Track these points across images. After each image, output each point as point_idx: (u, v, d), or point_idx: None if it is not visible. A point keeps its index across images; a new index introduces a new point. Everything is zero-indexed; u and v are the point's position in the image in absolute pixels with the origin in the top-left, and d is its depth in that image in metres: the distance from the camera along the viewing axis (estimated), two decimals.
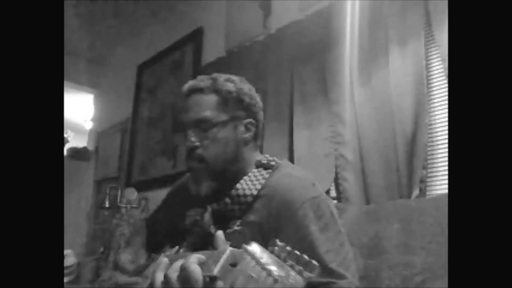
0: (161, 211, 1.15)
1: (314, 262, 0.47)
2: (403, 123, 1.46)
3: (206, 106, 0.92)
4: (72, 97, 3.97)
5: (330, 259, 0.77)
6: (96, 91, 3.87)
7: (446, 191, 1.37)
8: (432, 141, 1.48)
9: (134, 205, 2.70)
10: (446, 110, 1.46)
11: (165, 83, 2.96)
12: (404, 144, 1.45)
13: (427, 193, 1.43)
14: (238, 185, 0.90)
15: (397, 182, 1.45)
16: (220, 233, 0.59)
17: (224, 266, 0.50)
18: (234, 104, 0.93)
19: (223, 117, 0.91)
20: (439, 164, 1.46)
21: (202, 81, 0.94)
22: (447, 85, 1.45)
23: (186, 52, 2.81)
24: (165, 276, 0.57)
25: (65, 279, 2.53)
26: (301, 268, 0.46)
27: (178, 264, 0.56)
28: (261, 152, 1.01)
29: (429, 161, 1.45)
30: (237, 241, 0.54)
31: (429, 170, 1.44)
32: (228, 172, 0.92)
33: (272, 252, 0.48)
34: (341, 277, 0.76)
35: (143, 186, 2.80)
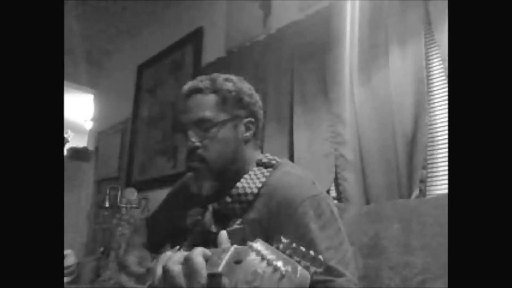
0: (162, 211, 1.15)
1: (320, 257, 0.46)
2: (403, 123, 1.46)
3: (206, 106, 0.92)
4: (72, 97, 3.97)
5: (329, 257, 0.77)
6: (96, 91, 3.87)
7: (446, 191, 1.37)
8: (432, 141, 1.48)
9: (134, 205, 2.70)
10: (446, 110, 1.46)
11: (165, 83, 2.96)
12: (404, 144, 1.45)
13: (427, 193, 1.43)
14: (238, 184, 0.90)
15: (397, 182, 1.45)
16: (223, 233, 0.59)
17: (229, 263, 0.49)
18: (233, 103, 0.93)
19: (223, 116, 0.92)
20: (439, 164, 1.45)
21: (201, 81, 0.95)
22: (447, 85, 1.45)
23: (186, 52, 2.81)
24: (166, 268, 0.56)
25: (65, 279, 2.53)
26: (307, 263, 0.46)
27: (179, 256, 0.55)
28: (262, 151, 1.02)
29: (429, 161, 1.45)
30: (238, 239, 0.54)
31: (429, 170, 1.44)
32: (229, 171, 0.92)
33: (277, 248, 0.47)
34: (340, 275, 0.76)
35: (143, 186, 2.80)
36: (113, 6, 3.02)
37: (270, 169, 0.93)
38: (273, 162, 0.94)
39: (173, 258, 0.56)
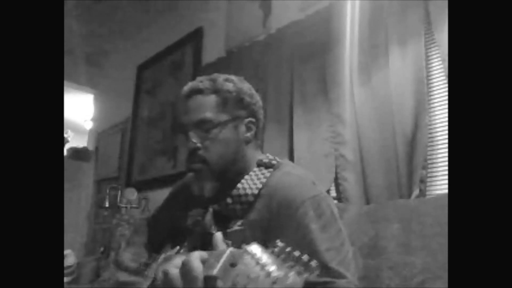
0: (163, 211, 1.15)
1: (313, 263, 0.47)
2: (403, 123, 1.46)
3: (206, 107, 0.92)
4: (72, 97, 3.97)
5: (330, 258, 0.77)
6: (96, 91, 3.87)
7: (446, 191, 1.37)
8: (432, 141, 1.48)
9: (134, 205, 2.70)
10: (446, 110, 1.46)
11: (165, 83, 2.96)
12: (404, 144, 1.45)
13: (427, 193, 1.43)
14: (239, 185, 0.90)
15: (397, 182, 1.45)
16: (218, 234, 0.59)
17: (224, 266, 0.50)
18: (234, 104, 0.93)
19: (224, 117, 0.91)
20: (439, 164, 1.45)
21: (201, 82, 0.94)
22: (447, 85, 1.45)
23: (186, 52, 2.81)
24: (165, 271, 0.57)
25: (65, 279, 2.54)
26: (301, 269, 0.46)
27: (179, 260, 0.56)
28: (262, 151, 1.01)
29: (429, 161, 1.45)
30: (238, 240, 0.54)
31: (429, 170, 1.44)
32: (230, 172, 0.92)
33: (272, 252, 0.48)
34: (341, 276, 0.76)
35: (143, 186, 2.80)
36: (113, 6, 3.02)
37: (270, 170, 0.93)
38: (274, 162, 0.94)
39: (173, 262, 0.57)
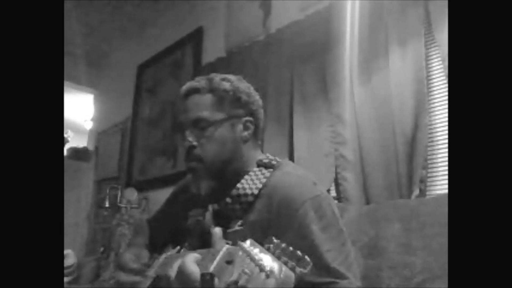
0: (163, 212, 1.15)
1: (307, 258, 0.48)
2: (403, 123, 1.46)
3: (203, 106, 0.92)
4: (72, 97, 3.97)
5: (331, 259, 0.77)
6: (96, 91, 3.87)
7: (446, 191, 1.37)
8: (432, 141, 1.48)
9: (134, 205, 2.71)
10: (446, 110, 1.46)
11: (165, 83, 2.96)
12: (404, 144, 1.45)
13: (427, 193, 1.43)
14: (239, 185, 0.90)
15: (397, 182, 1.46)
16: (217, 230, 0.60)
17: (220, 263, 0.50)
18: (231, 102, 0.93)
19: (220, 116, 0.91)
20: (439, 164, 1.46)
21: (199, 82, 0.95)
22: (447, 85, 1.45)
23: (186, 52, 2.81)
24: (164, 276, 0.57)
25: (65, 279, 2.54)
26: (294, 264, 0.47)
27: (176, 264, 0.57)
28: (262, 151, 1.01)
29: (429, 161, 1.45)
30: (238, 240, 0.54)
31: (429, 170, 1.44)
32: (227, 171, 0.92)
33: (268, 249, 0.48)
34: (343, 276, 0.76)
35: (143, 186, 2.80)
36: (113, 6, 3.02)
37: (270, 170, 0.92)
38: (274, 162, 0.94)
39: (174, 266, 0.57)
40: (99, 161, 3.51)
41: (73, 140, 3.82)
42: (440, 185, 1.44)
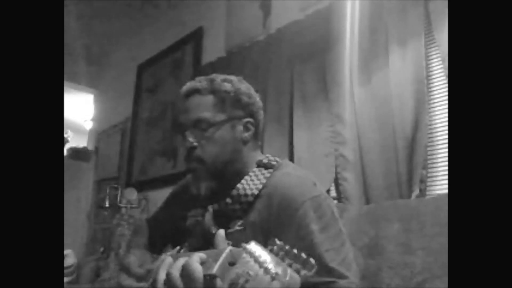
0: (163, 212, 1.15)
1: (312, 260, 0.47)
2: (403, 123, 1.46)
3: (204, 107, 0.92)
4: (72, 97, 3.97)
5: (330, 259, 0.77)
6: (96, 91, 3.87)
7: (446, 191, 1.37)
8: (432, 141, 1.48)
9: (134, 205, 2.70)
10: (446, 110, 1.46)
11: (165, 83, 2.96)
12: (404, 144, 1.45)
13: (427, 193, 1.43)
14: (239, 185, 0.90)
15: (397, 182, 1.46)
16: (220, 232, 0.60)
17: (223, 265, 0.50)
18: (231, 104, 0.93)
19: (221, 117, 0.91)
20: (439, 164, 1.46)
21: (200, 82, 0.95)
22: (447, 85, 1.45)
23: (186, 52, 2.81)
24: (168, 274, 0.57)
25: (65, 279, 2.54)
26: (298, 266, 0.47)
27: (180, 262, 0.57)
28: (262, 152, 1.01)
29: (429, 161, 1.45)
30: (239, 241, 0.54)
31: (429, 170, 1.44)
32: (228, 172, 0.92)
33: (271, 251, 0.48)
34: (342, 276, 0.76)
35: (143, 186, 2.80)
36: (113, 6, 3.02)
37: (270, 170, 0.92)
38: (274, 163, 0.94)
39: (175, 265, 0.57)
40: (99, 161, 3.51)
41: (73, 140, 3.82)
42: (440, 185, 1.44)
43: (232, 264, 0.49)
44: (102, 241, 2.97)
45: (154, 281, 0.60)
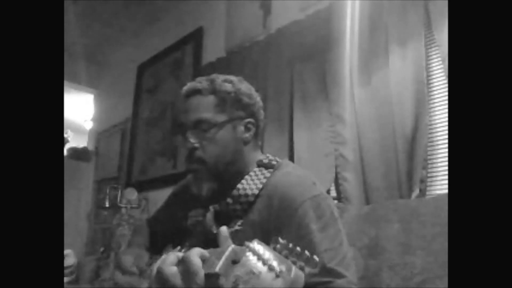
0: (163, 212, 1.15)
1: (315, 258, 0.47)
2: (403, 123, 1.46)
3: (205, 107, 0.92)
4: (72, 97, 3.97)
5: (329, 258, 0.77)
6: (96, 91, 3.87)
7: (446, 191, 1.37)
8: (432, 141, 1.48)
9: (134, 205, 2.71)
10: (446, 110, 1.46)
11: (165, 83, 2.96)
12: (404, 144, 1.45)
13: (427, 193, 1.43)
14: (239, 185, 0.90)
15: (397, 182, 1.46)
16: (223, 229, 0.59)
17: (226, 263, 0.50)
18: (232, 104, 0.93)
19: (222, 117, 0.91)
20: (439, 164, 1.46)
21: (200, 82, 0.95)
22: (447, 85, 1.45)
23: (186, 52, 2.81)
24: (158, 269, 0.57)
25: (65, 279, 2.54)
26: (302, 264, 0.47)
27: (172, 257, 0.56)
28: (262, 151, 1.01)
29: (429, 161, 1.45)
30: (239, 240, 0.54)
31: (429, 170, 1.44)
32: (229, 172, 0.92)
33: (274, 249, 0.48)
34: (340, 276, 0.76)
35: (143, 186, 2.80)
36: (113, 6, 3.02)
37: (271, 170, 0.93)
38: (274, 162, 0.94)
39: (167, 260, 0.56)
40: (99, 161, 3.52)
41: (73, 140, 3.82)
42: (440, 185, 1.44)
43: (235, 262, 0.49)
44: (102, 241, 2.97)
45: (158, 278, 0.60)
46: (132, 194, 2.69)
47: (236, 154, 0.93)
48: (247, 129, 0.95)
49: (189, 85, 0.96)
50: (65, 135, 3.67)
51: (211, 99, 0.92)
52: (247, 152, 0.95)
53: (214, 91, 0.93)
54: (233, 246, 0.52)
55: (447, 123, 1.44)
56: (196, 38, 2.75)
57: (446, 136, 1.44)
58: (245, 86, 0.97)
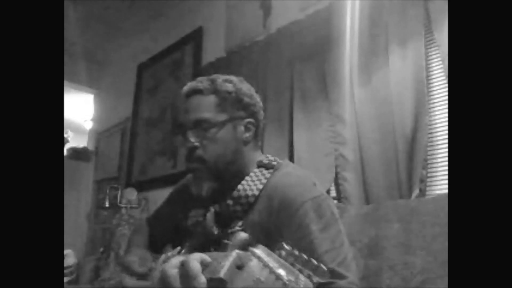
0: (163, 211, 1.15)
1: (323, 266, 0.46)
2: (403, 123, 1.46)
3: (205, 107, 0.92)
4: (72, 97, 3.97)
5: (330, 259, 0.77)
6: (96, 91, 3.87)
7: (446, 191, 1.37)
8: (432, 141, 1.48)
9: (134, 205, 2.71)
10: (446, 110, 1.46)
11: (165, 83, 2.96)
12: (404, 144, 1.45)
13: (427, 193, 1.43)
14: (239, 186, 0.90)
15: (397, 182, 1.46)
16: (242, 235, 0.59)
17: (231, 268, 0.49)
18: (233, 104, 0.93)
19: (222, 117, 0.91)
20: (439, 164, 1.46)
21: (201, 82, 0.95)
22: (447, 85, 1.45)
23: (186, 52, 2.82)
24: (162, 272, 0.57)
25: (65, 279, 2.54)
26: (310, 272, 0.46)
27: (176, 260, 0.56)
28: (262, 152, 1.01)
29: (429, 161, 1.45)
30: (249, 246, 0.53)
31: (429, 170, 1.44)
32: (229, 172, 0.92)
33: (279, 255, 0.47)
34: (341, 277, 0.76)
35: (143, 186, 2.80)
36: (113, 6, 3.02)
37: (271, 171, 0.92)
38: (274, 163, 0.94)
39: (171, 262, 0.56)
40: (99, 161, 3.52)
41: (73, 140, 3.82)
42: (440, 185, 1.44)
43: (239, 268, 0.48)
44: (102, 241, 2.97)
45: (153, 279, 0.60)
46: (132, 194, 2.69)
47: (236, 154, 0.93)
48: (247, 129, 0.95)
49: (189, 85, 0.96)
50: (65, 135, 3.67)
51: (212, 99, 0.92)
52: (247, 152, 0.95)
53: (215, 91, 0.93)
54: (237, 251, 0.51)
55: (447, 123, 1.44)
56: (196, 38, 2.75)
57: (446, 136, 1.44)
58: (245, 87, 0.97)
